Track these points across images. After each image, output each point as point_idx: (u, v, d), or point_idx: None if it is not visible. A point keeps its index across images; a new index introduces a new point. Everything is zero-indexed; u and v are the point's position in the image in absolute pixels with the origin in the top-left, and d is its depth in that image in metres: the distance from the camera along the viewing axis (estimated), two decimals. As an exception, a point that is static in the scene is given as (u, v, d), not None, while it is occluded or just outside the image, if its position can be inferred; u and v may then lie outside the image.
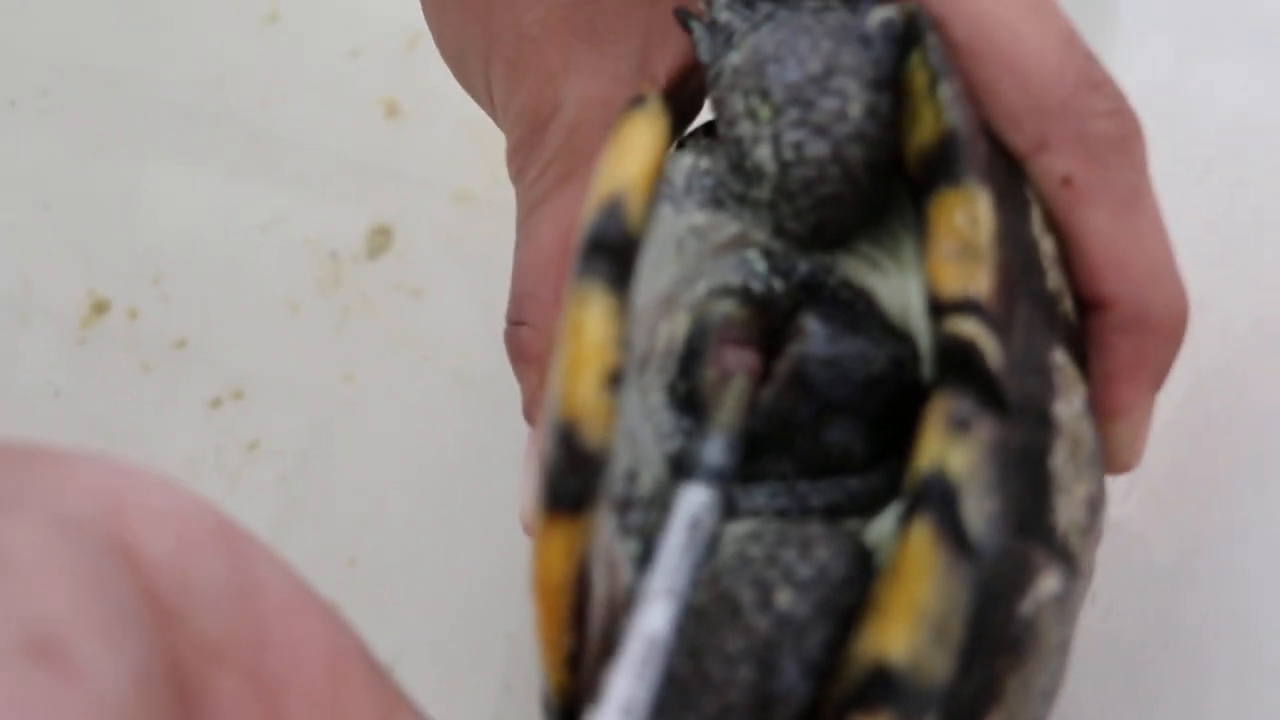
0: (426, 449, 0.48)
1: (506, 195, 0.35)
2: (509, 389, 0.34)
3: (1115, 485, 0.34)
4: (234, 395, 0.48)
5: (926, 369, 0.27)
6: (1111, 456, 0.30)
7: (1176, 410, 0.34)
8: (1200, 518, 0.33)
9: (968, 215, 0.26)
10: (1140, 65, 0.39)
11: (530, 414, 0.34)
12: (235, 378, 0.49)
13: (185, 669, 0.23)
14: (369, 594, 0.45)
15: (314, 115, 0.52)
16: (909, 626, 0.23)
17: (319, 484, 0.47)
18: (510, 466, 0.35)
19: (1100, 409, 0.30)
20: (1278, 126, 0.35)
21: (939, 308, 0.26)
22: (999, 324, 0.26)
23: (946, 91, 0.26)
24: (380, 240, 0.50)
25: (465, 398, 0.48)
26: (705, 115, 0.32)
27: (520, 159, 0.34)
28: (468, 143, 0.50)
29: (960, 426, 0.24)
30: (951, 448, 0.24)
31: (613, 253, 0.25)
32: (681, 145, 0.30)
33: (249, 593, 0.24)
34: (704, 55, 0.29)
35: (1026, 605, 0.26)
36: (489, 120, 0.36)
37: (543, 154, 0.33)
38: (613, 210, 0.26)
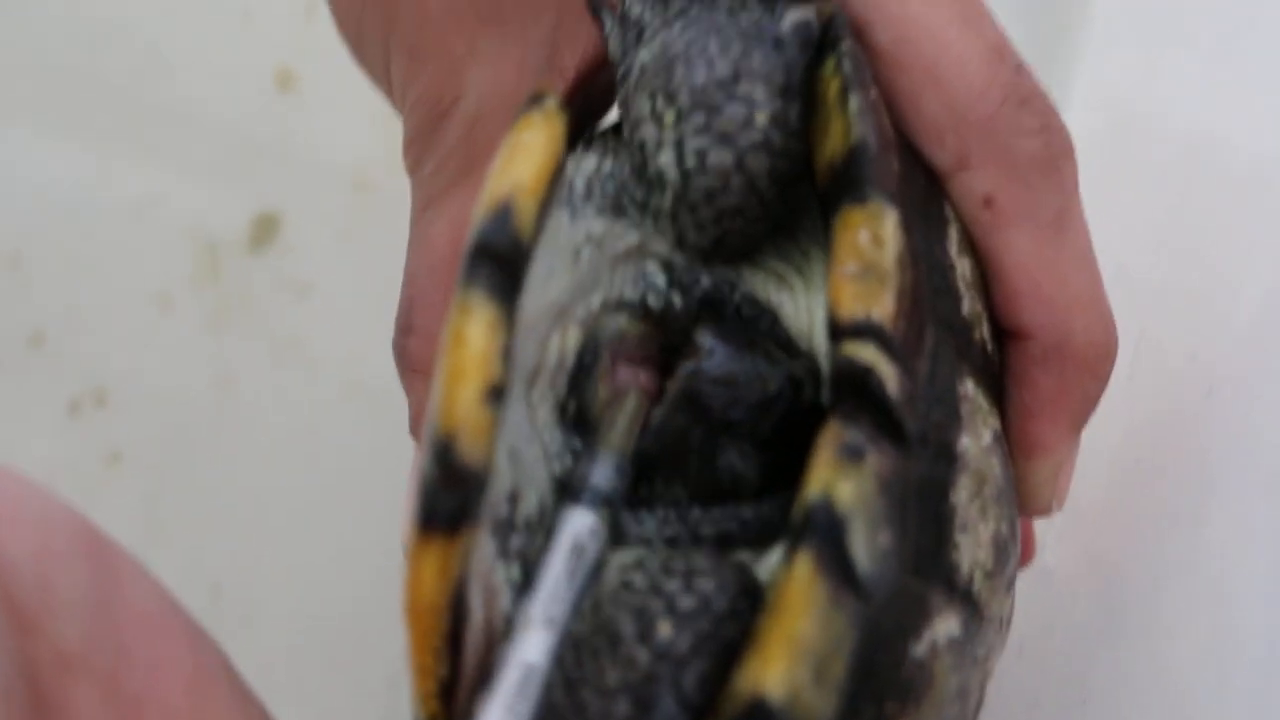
0: (308, 466, 0.50)
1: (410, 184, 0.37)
2: (403, 401, 0.37)
3: (1046, 532, 0.37)
4: (95, 399, 0.51)
5: (828, 392, 0.30)
6: (1031, 497, 0.33)
7: (1111, 455, 0.37)
8: (1128, 569, 0.36)
9: (872, 234, 0.29)
10: (1103, 79, 0.43)
11: (416, 429, 0.36)
12: (97, 379, 0.51)
13: (43, 678, 0.26)
14: (235, 626, 0.47)
15: (198, 84, 0.54)
16: (787, 661, 0.26)
17: (186, 503, 0.50)
18: (401, 487, 0.37)
19: (1018, 446, 0.33)
20: (1228, 148, 0.38)
21: (838, 331, 0.29)
22: (901, 350, 0.29)
23: (856, 102, 0.29)
24: (265, 230, 0.52)
25: (354, 409, 0.51)
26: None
27: (417, 150, 0.36)
28: (369, 123, 0.52)
29: (852, 455, 0.27)
30: (841, 477, 0.27)
31: (500, 261, 0.28)
32: (590, 142, 0.33)
33: (110, 604, 0.27)
34: (613, 51, 0.33)
35: (921, 648, 0.30)
36: (395, 100, 0.38)
37: (441, 146, 0.36)
38: (502, 216, 0.29)
